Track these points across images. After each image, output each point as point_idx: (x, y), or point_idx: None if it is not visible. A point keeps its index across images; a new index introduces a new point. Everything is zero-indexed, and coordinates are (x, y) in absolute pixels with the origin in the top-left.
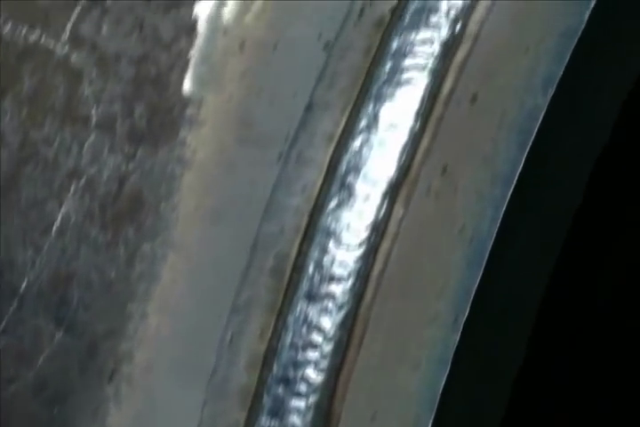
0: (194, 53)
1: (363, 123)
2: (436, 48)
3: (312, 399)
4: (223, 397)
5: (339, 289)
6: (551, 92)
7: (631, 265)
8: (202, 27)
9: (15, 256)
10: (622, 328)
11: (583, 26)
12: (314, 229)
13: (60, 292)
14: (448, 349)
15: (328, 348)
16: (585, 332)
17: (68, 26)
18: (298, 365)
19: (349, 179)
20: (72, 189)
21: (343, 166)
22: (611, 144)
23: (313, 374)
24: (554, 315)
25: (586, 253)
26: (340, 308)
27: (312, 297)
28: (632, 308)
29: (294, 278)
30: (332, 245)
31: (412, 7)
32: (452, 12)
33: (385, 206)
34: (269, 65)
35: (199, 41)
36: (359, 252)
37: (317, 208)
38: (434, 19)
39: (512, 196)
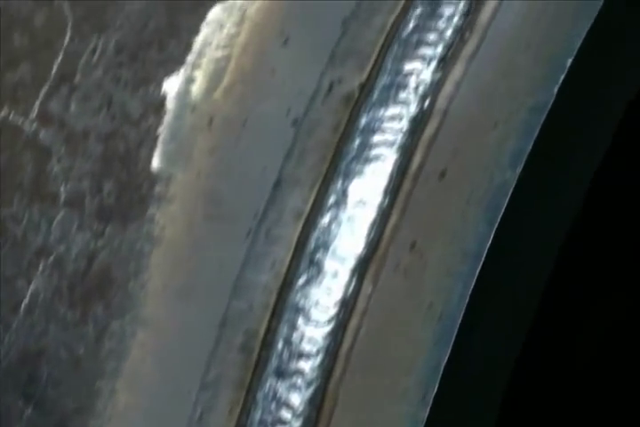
0: (162, 130)
1: (331, 199)
2: (404, 124)
3: None
4: None
5: (308, 365)
6: (520, 167)
7: (609, 329)
8: (170, 103)
9: None
10: (602, 392)
11: (552, 100)
12: (283, 306)
13: (30, 369)
14: (417, 425)
15: (297, 424)
16: (563, 399)
17: (37, 103)
18: None
19: (318, 255)
20: (41, 266)
21: (312, 243)
22: (584, 212)
23: None
24: (528, 386)
25: (564, 318)
26: (309, 384)
27: (281, 374)
28: (611, 373)
29: (263, 355)
30: (300, 321)
31: (381, 83)
32: (421, 88)
33: (354, 283)
34: (238, 142)
35: (168, 118)
36: (328, 328)
37: (286, 285)
38: (403, 95)
39: (481, 271)
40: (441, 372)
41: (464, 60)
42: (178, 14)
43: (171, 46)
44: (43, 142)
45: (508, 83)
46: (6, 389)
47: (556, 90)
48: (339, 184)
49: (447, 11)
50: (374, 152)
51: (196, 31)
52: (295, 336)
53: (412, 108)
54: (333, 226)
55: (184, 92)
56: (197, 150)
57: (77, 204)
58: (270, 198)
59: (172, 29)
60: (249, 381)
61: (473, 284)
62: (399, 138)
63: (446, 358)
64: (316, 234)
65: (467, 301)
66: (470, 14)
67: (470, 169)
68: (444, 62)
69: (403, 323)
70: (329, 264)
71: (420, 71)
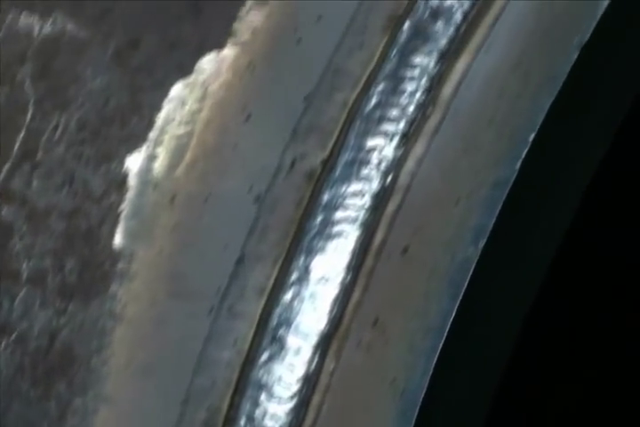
0: (125, 207)
1: (294, 276)
2: (367, 200)
3: None
4: None
5: None
6: (482, 243)
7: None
8: (133, 180)
9: None
10: None
11: (514, 176)
12: (245, 383)
13: None
14: None
15: None
16: None
17: None
18: None
19: (281, 332)
20: (3, 343)
21: (274, 320)
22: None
23: None
24: None
25: (526, 394)
26: None
27: None
28: None
29: None
30: (263, 397)
31: (343, 159)
32: (383, 165)
33: (316, 359)
34: (200, 218)
35: (130, 195)
36: (290, 404)
37: (249, 361)
38: (365, 171)
39: (444, 346)
40: None
41: (426, 135)
42: (140, 91)
43: (133, 123)
44: (5, 219)
45: (470, 158)
46: None
47: (518, 165)
48: (301, 261)
49: (410, 86)
50: (337, 229)
51: (158, 108)
52: (258, 413)
53: (375, 185)
54: (296, 302)
55: (146, 169)
56: (160, 227)
57: (40, 281)
58: (233, 275)
59: (134, 106)
60: None
61: (436, 359)
62: (361, 214)
63: None
64: (278, 310)
65: (429, 376)
66: (432, 90)
67: (433, 245)
68: (407, 138)
69: (365, 399)
70: (291, 340)
71: (382, 147)
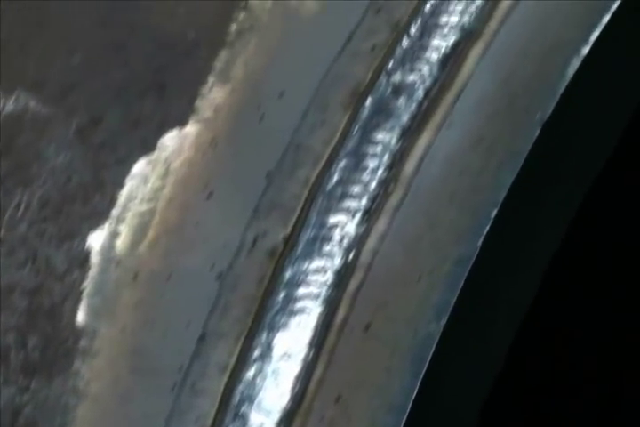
0: (87, 285)
1: (256, 352)
2: (329, 277)
3: None
4: None
5: None
6: (444, 319)
7: None
8: (95, 258)
9: None
10: None
11: (476, 253)
12: None
13: None
14: None
15: None
16: None
17: None
18: None
19: (243, 409)
20: None
21: (237, 396)
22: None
23: None
24: None
25: None
26: None
27: None
28: None
29: None
30: None
31: (305, 236)
32: (345, 241)
33: None
34: (162, 296)
35: (92, 272)
36: None
37: None
38: (327, 247)
39: (406, 422)
40: None
41: (388, 212)
42: (102, 168)
43: (95, 200)
44: None
45: (432, 235)
46: None
47: (480, 242)
48: (263, 337)
49: (371, 163)
50: (299, 305)
51: (120, 185)
52: None
53: (337, 261)
54: (258, 379)
55: (108, 247)
56: (122, 305)
57: (3, 358)
58: (195, 352)
59: (97, 183)
60: None
61: None
62: (324, 291)
63: None
64: (241, 387)
65: None
66: (394, 167)
67: (395, 322)
68: (369, 215)
69: None
70: (254, 417)
71: (344, 224)
